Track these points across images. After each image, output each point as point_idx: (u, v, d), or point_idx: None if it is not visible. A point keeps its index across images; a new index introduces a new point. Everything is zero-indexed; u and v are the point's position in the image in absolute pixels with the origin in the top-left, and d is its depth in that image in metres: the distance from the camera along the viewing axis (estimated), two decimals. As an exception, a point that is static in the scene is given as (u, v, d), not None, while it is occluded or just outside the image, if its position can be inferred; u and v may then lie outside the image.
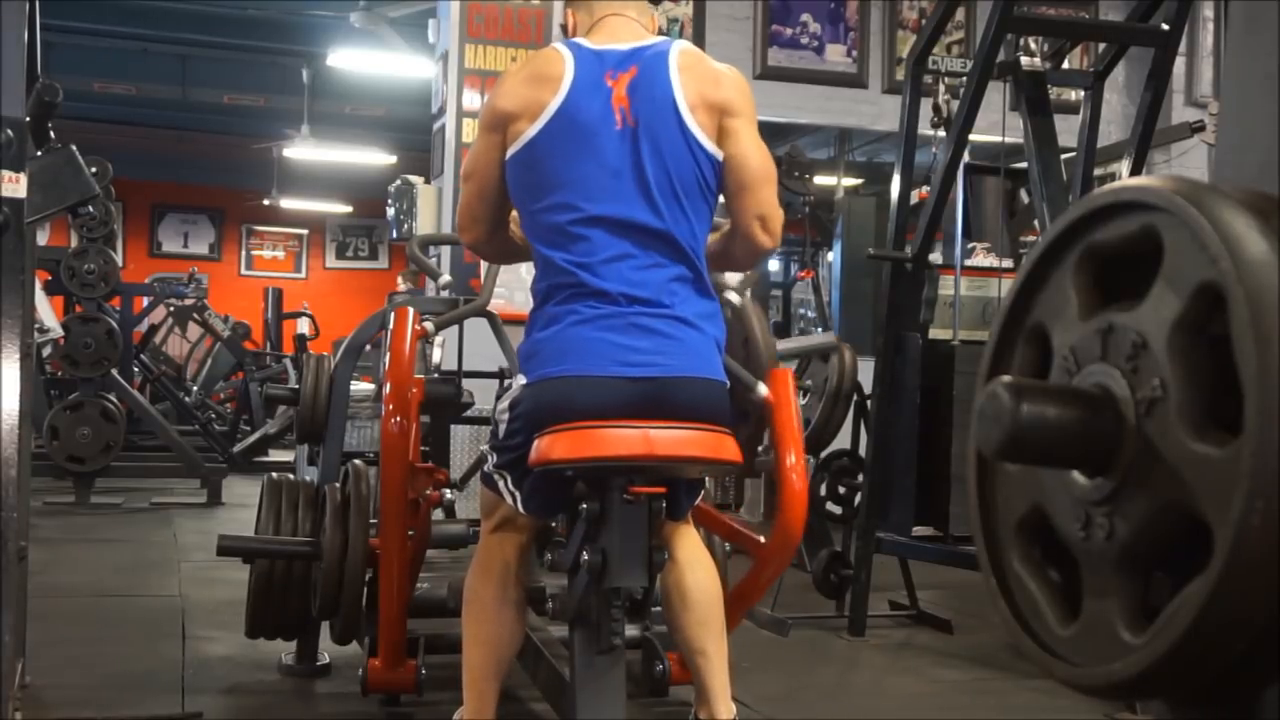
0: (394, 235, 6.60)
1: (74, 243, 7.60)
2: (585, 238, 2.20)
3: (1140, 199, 0.91)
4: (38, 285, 4.77)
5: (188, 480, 6.96)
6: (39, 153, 2.89)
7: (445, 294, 3.58)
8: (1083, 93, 4.29)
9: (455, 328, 3.65)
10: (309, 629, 3.30)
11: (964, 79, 3.97)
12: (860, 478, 4.40)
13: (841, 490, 4.69)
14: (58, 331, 6.33)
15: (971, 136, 3.97)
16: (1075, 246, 0.97)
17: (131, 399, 7.15)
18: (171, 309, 9.75)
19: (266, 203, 13.90)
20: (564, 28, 2.48)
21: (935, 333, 5.58)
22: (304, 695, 3.25)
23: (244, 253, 16.15)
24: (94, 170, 4.52)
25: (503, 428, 2.30)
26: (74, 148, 3.01)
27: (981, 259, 6.20)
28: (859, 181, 9.54)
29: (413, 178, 6.44)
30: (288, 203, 13.89)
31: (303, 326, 12.21)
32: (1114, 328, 0.91)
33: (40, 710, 2.91)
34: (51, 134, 3.08)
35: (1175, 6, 3.89)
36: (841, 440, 4.52)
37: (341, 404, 3.55)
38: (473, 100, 6.10)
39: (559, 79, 2.23)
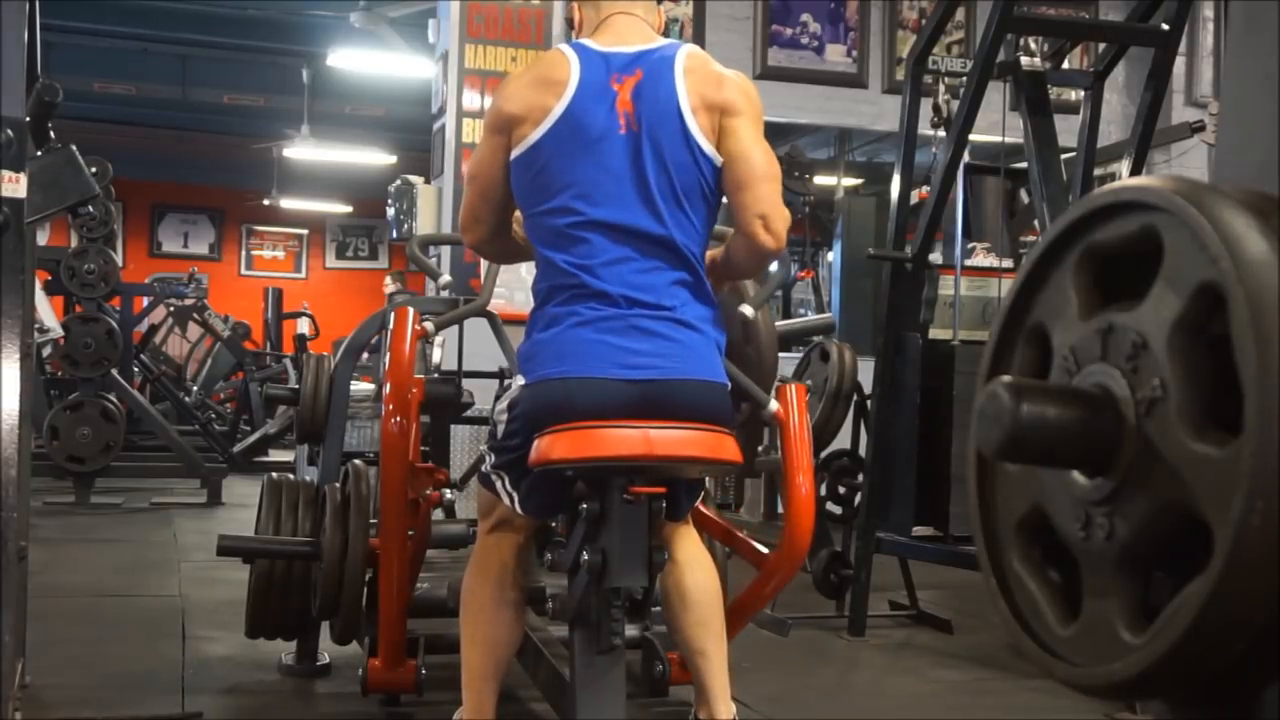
0: (394, 235, 6.60)
1: (74, 243, 7.60)
2: (586, 240, 2.20)
3: (1140, 199, 0.91)
4: (38, 285, 4.77)
5: (188, 480, 6.96)
6: (39, 153, 2.89)
7: (445, 294, 3.58)
8: (1083, 93, 4.29)
9: (455, 328, 3.65)
10: (309, 629, 3.29)
11: (964, 79, 3.97)
12: (860, 478, 4.40)
13: (841, 490, 4.69)
14: (58, 331, 6.33)
15: (971, 136, 3.96)
16: (1075, 246, 0.97)
17: (131, 399, 7.15)
18: (171, 309, 9.76)
19: (266, 203, 13.91)
20: (569, 22, 2.48)
21: (935, 333, 5.59)
22: (304, 695, 3.25)
23: (244, 253, 16.15)
24: (94, 170, 4.52)
25: (501, 428, 2.30)
26: (74, 148, 3.01)
27: (981, 259, 6.20)
28: (859, 181, 9.54)
29: (413, 178, 6.44)
30: (288, 203, 13.89)
31: (303, 326, 12.21)
32: (1114, 328, 0.91)
33: (40, 710, 2.91)
34: (51, 134, 3.08)
35: (1175, 6, 3.89)
36: (841, 440, 4.52)
37: (341, 404, 3.55)
38: (473, 100, 6.10)
39: (564, 83, 2.23)
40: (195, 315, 9.60)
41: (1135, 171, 4.01)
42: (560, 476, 2.20)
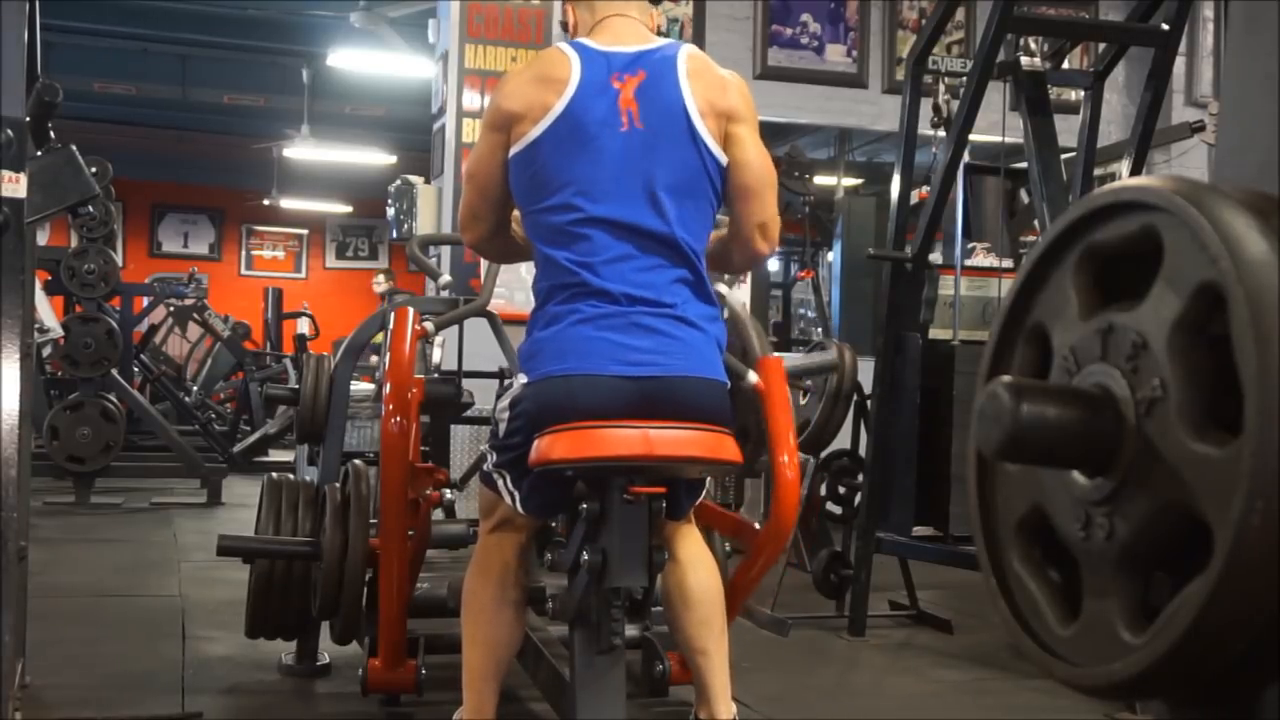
0: (394, 235, 6.60)
1: (74, 243, 7.60)
2: (587, 238, 2.20)
3: (1140, 199, 0.91)
4: (38, 285, 4.77)
5: (188, 480, 6.95)
6: (39, 153, 2.89)
7: (445, 294, 3.58)
8: (1083, 93, 4.29)
9: (455, 328, 3.65)
10: (309, 629, 3.29)
11: (964, 79, 3.97)
12: (860, 478, 4.40)
13: (841, 490, 4.69)
14: (58, 331, 6.32)
15: (971, 136, 3.97)
16: (1075, 246, 0.97)
17: (131, 399, 7.14)
18: (171, 309, 9.75)
19: (266, 203, 13.90)
20: (564, 25, 2.48)
21: (935, 333, 5.58)
22: (304, 695, 3.25)
23: (244, 253, 16.15)
24: (94, 170, 4.52)
25: (503, 426, 2.30)
26: (74, 148, 3.01)
27: (981, 259, 6.20)
28: (859, 181, 9.55)
29: (413, 178, 6.44)
30: (288, 203, 13.89)
31: (303, 326, 12.21)
32: (1114, 328, 0.91)
33: (40, 710, 2.91)
34: (51, 134, 3.08)
35: (1175, 6, 3.89)
36: (841, 440, 4.52)
37: (341, 404, 3.55)
38: (473, 100, 6.10)
39: (564, 81, 2.23)
40: (195, 315, 9.59)
41: (1135, 171, 4.01)
42: (560, 476, 2.20)
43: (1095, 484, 0.91)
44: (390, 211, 6.41)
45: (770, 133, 8.18)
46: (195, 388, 10.05)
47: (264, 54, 10.22)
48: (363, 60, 9.03)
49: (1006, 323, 1.04)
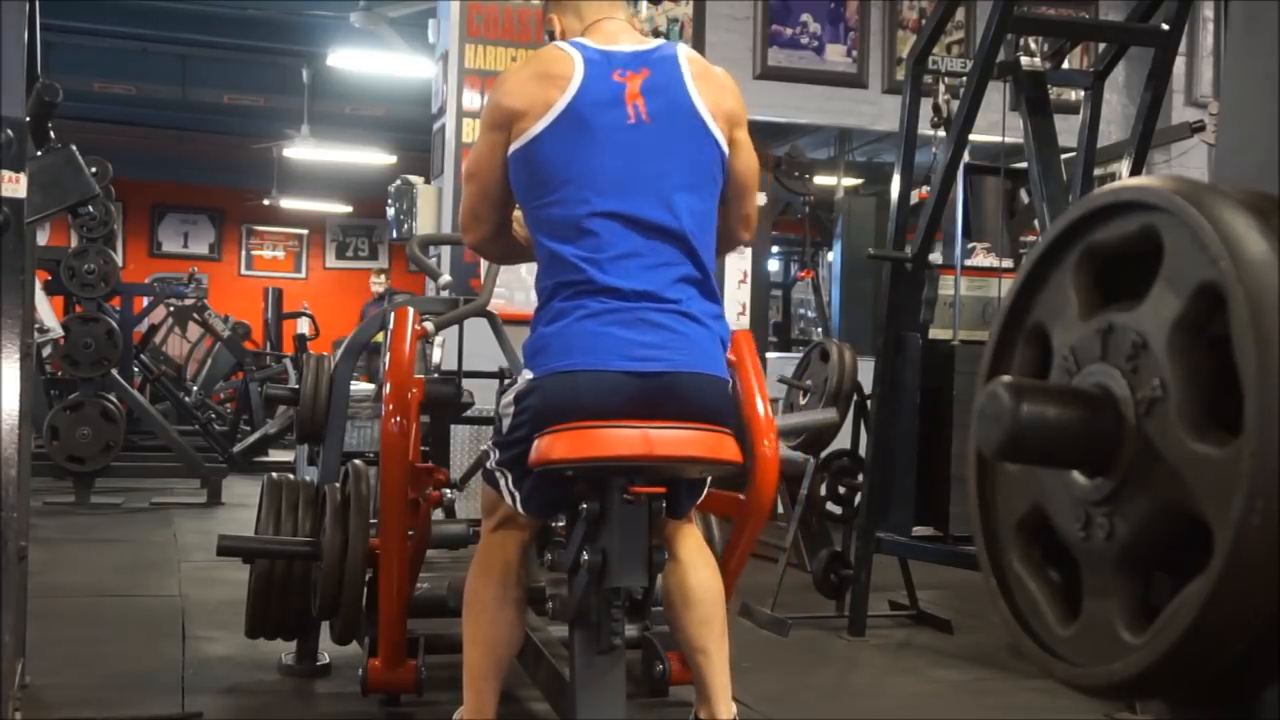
0: (394, 235, 6.59)
1: (74, 243, 7.60)
2: (594, 233, 2.20)
3: (1140, 199, 0.91)
4: (38, 285, 4.77)
5: (188, 480, 6.95)
6: (39, 153, 2.89)
7: (445, 294, 3.58)
8: (1083, 93, 4.29)
9: (455, 328, 3.65)
10: (309, 629, 3.30)
11: (964, 79, 3.97)
12: (860, 478, 4.39)
13: (841, 490, 4.69)
14: (58, 331, 6.32)
15: (971, 136, 3.96)
16: (1075, 246, 0.97)
17: (131, 399, 7.14)
18: (171, 309, 9.75)
19: (266, 203, 13.90)
20: (550, 34, 2.48)
21: (935, 333, 5.58)
22: (304, 695, 3.25)
23: (244, 253, 16.15)
24: (94, 170, 4.52)
25: (507, 422, 2.29)
26: (74, 148, 3.01)
27: (981, 259, 6.20)
28: (859, 181, 9.54)
29: (413, 178, 6.44)
30: (288, 203, 13.88)
31: (303, 326, 12.21)
32: (1114, 328, 0.91)
33: (40, 710, 2.92)
34: (51, 134, 3.08)
35: (1175, 6, 3.89)
36: (841, 440, 4.52)
37: (341, 404, 3.55)
38: (473, 100, 6.10)
39: (567, 77, 2.24)
40: (195, 315, 9.59)
41: (1135, 171, 4.01)
42: (561, 476, 2.20)
43: (1095, 484, 0.91)
44: (390, 211, 6.40)
45: (770, 133, 8.24)
46: (195, 388, 10.05)
47: (264, 54, 10.22)
48: (363, 60, 9.02)
49: (1006, 323, 1.04)
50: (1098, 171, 4.32)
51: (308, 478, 3.59)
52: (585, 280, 2.18)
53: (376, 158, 11.79)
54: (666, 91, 2.27)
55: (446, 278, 3.64)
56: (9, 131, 2.29)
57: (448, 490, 3.44)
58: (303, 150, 11.01)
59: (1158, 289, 0.88)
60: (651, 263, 2.21)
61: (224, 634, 3.70)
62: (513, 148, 2.27)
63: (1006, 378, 0.94)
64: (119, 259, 8.62)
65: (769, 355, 7.55)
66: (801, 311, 12.12)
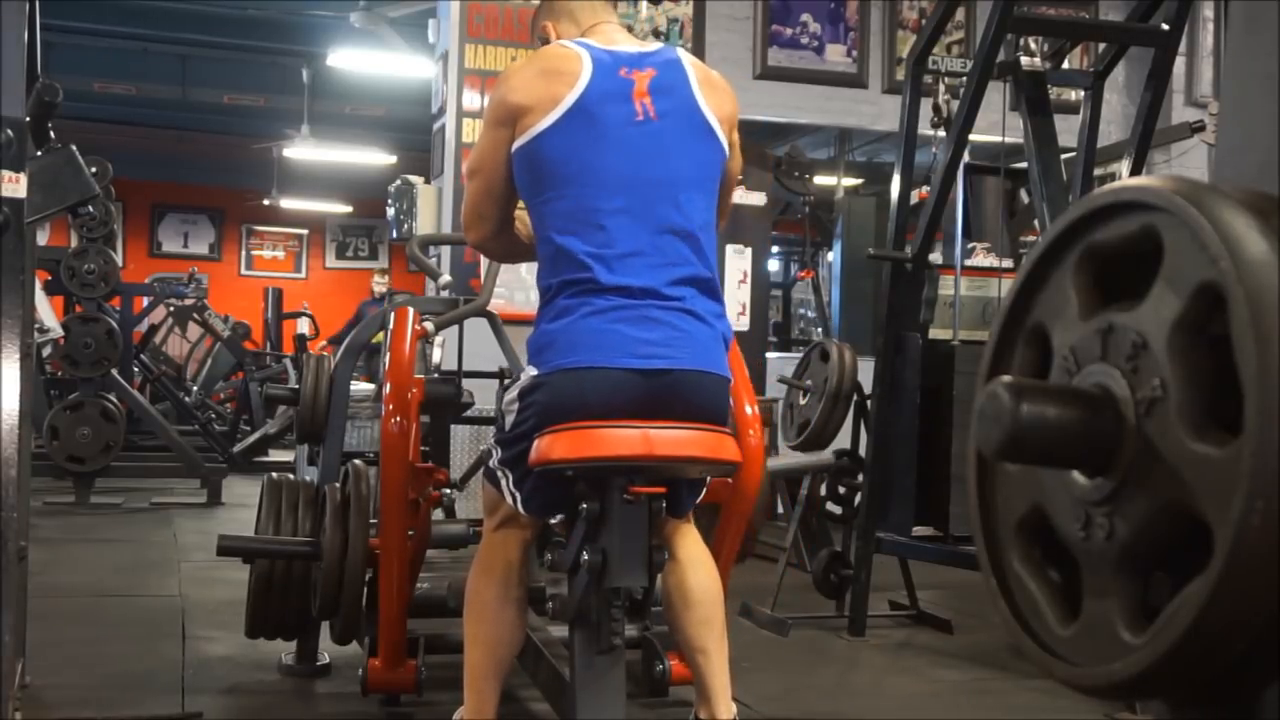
0: (394, 235, 6.59)
1: (74, 243, 7.60)
2: (601, 228, 2.20)
3: (1140, 199, 0.91)
4: (38, 285, 4.77)
5: (188, 480, 6.95)
6: (39, 153, 2.89)
7: (445, 294, 3.58)
8: (1083, 93, 4.29)
9: (455, 328, 3.65)
10: (309, 629, 3.29)
11: (964, 79, 3.97)
12: (860, 478, 4.39)
13: (841, 490, 4.69)
14: (58, 331, 6.32)
15: (971, 136, 3.96)
16: (1075, 246, 0.97)
17: (131, 399, 7.14)
18: (171, 309, 9.75)
19: (266, 203, 13.90)
20: (543, 41, 2.48)
21: (935, 333, 5.58)
22: (304, 695, 3.25)
23: (244, 253, 16.15)
24: (94, 170, 4.52)
25: (510, 419, 2.29)
26: (74, 148, 3.00)
27: (981, 259, 6.20)
28: (859, 181, 9.54)
29: (413, 178, 6.44)
30: (288, 203, 13.88)
31: (303, 326, 12.21)
32: (1114, 328, 0.91)
33: (40, 710, 2.91)
34: (51, 134, 3.07)
35: (1175, 6, 3.89)
36: (841, 440, 4.51)
37: (341, 404, 3.55)
38: (473, 100, 6.10)
39: (575, 74, 2.25)
40: (195, 315, 9.59)
41: (1135, 171, 4.01)
42: (561, 476, 2.20)
43: (1095, 484, 0.91)
44: (390, 211, 6.40)
45: (770, 133, 8.24)
46: (195, 388, 10.06)
47: (264, 54, 10.22)
48: (363, 60, 9.02)
49: (1006, 323, 1.04)
50: (1098, 171, 4.32)
51: (308, 478, 3.59)
52: (591, 277, 2.18)
53: (376, 158, 11.79)
54: (674, 92, 2.29)
55: (446, 278, 3.64)
56: (9, 131, 2.29)
57: (448, 490, 3.43)
58: (303, 150, 11.01)
59: (1158, 289, 0.88)
60: (658, 260, 2.21)
61: (224, 634, 3.70)
62: (517, 143, 2.27)
63: (1006, 378, 0.94)
64: (119, 259, 8.62)
65: (769, 355, 7.55)
66: (801, 311, 12.12)
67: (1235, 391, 0.80)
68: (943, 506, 4.14)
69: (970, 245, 6.36)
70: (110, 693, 3.14)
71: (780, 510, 5.62)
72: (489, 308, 3.45)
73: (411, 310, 2.87)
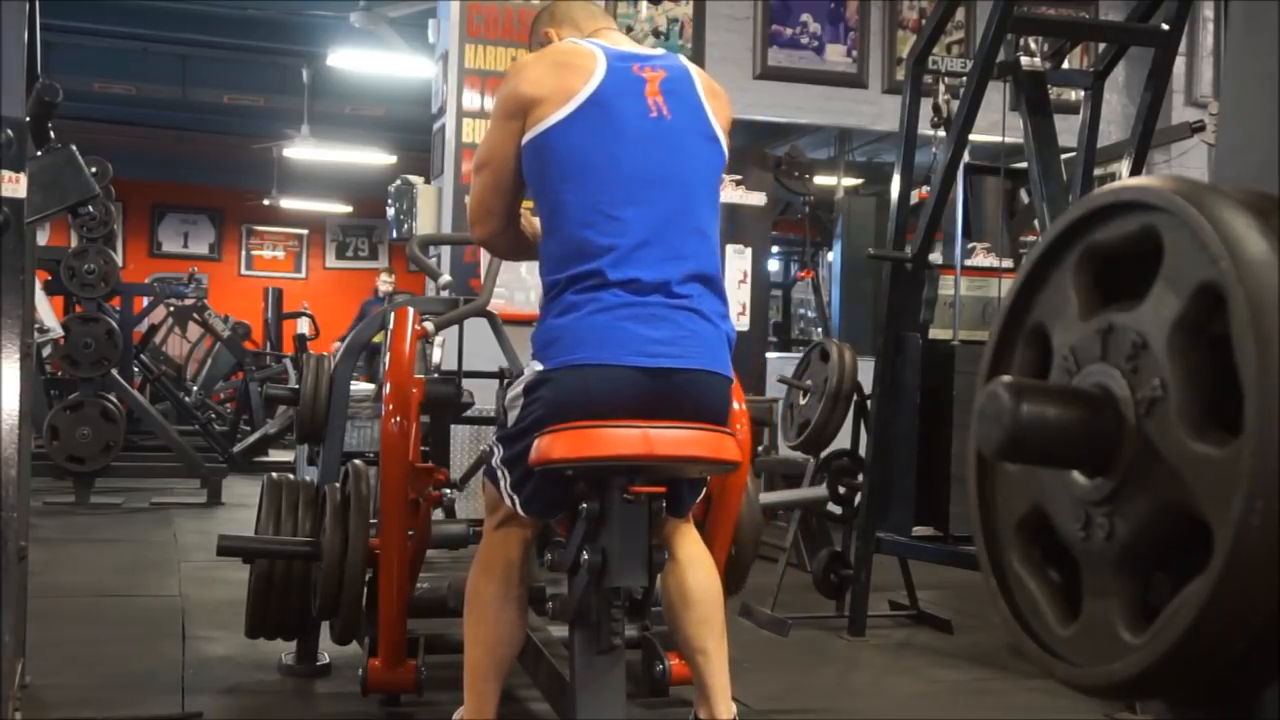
0: (394, 235, 6.59)
1: (74, 243, 7.60)
2: (615, 220, 2.20)
3: (1140, 199, 0.91)
4: (38, 285, 4.77)
5: (188, 480, 6.95)
6: (39, 153, 2.89)
7: (445, 294, 3.58)
8: (1083, 93, 4.29)
9: (455, 328, 3.65)
10: (309, 629, 3.29)
11: (964, 79, 3.97)
12: (860, 478, 4.39)
13: (841, 490, 4.69)
14: (58, 331, 6.32)
15: (971, 136, 3.96)
16: (1075, 246, 0.97)
17: (131, 399, 7.14)
18: (171, 309, 9.75)
19: (266, 203, 13.91)
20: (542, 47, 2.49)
21: (935, 333, 5.59)
22: (304, 695, 3.25)
23: (244, 253, 16.15)
24: (94, 170, 4.52)
25: (514, 414, 2.28)
26: (74, 148, 3.00)
27: (981, 259, 6.20)
28: (859, 181, 9.54)
29: (413, 178, 6.44)
30: (288, 203, 13.89)
31: (303, 326, 12.21)
32: (1114, 328, 0.91)
33: (40, 710, 2.91)
34: (51, 134, 3.08)
35: (1175, 6, 3.89)
36: (841, 440, 4.52)
37: (341, 404, 3.55)
38: (473, 100, 6.10)
39: (589, 69, 2.26)
40: (195, 315, 9.59)
41: (1135, 171, 4.01)
42: (561, 476, 2.20)
43: (1095, 484, 0.91)
44: (390, 211, 6.40)
45: (770, 133, 8.24)
46: (195, 388, 10.05)
47: (264, 54, 10.22)
48: (363, 60, 9.03)
49: (1006, 323, 1.04)
50: (1098, 171, 4.32)
51: (308, 478, 3.59)
52: (601, 271, 2.18)
53: (376, 158, 11.79)
54: (683, 94, 2.32)
55: (446, 278, 3.64)
56: (9, 131, 2.29)
57: (448, 490, 3.44)
58: (303, 150, 11.01)
59: (1158, 289, 0.88)
60: (669, 255, 2.21)
61: (224, 634, 3.69)
62: (528, 135, 2.27)
63: (1006, 378, 0.94)
64: (119, 259, 8.62)
65: (769, 355, 7.55)
66: (801, 311, 12.13)
67: (1235, 391, 0.80)
68: (943, 506, 4.14)
69: (970, 245, 6.36)
70: (110, 693, 3.14)
71: (780, 510, 5.61)
72: (489, 308, 3.45)
73: (411, 310, 2.87)
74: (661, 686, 2.97)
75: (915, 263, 4.06)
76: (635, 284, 2.17)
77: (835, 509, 4.71)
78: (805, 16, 6.74)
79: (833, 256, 8.67)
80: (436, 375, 4.01)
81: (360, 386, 5.19)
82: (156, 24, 9.41)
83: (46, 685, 3.10)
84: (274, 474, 3.40)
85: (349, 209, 15.12)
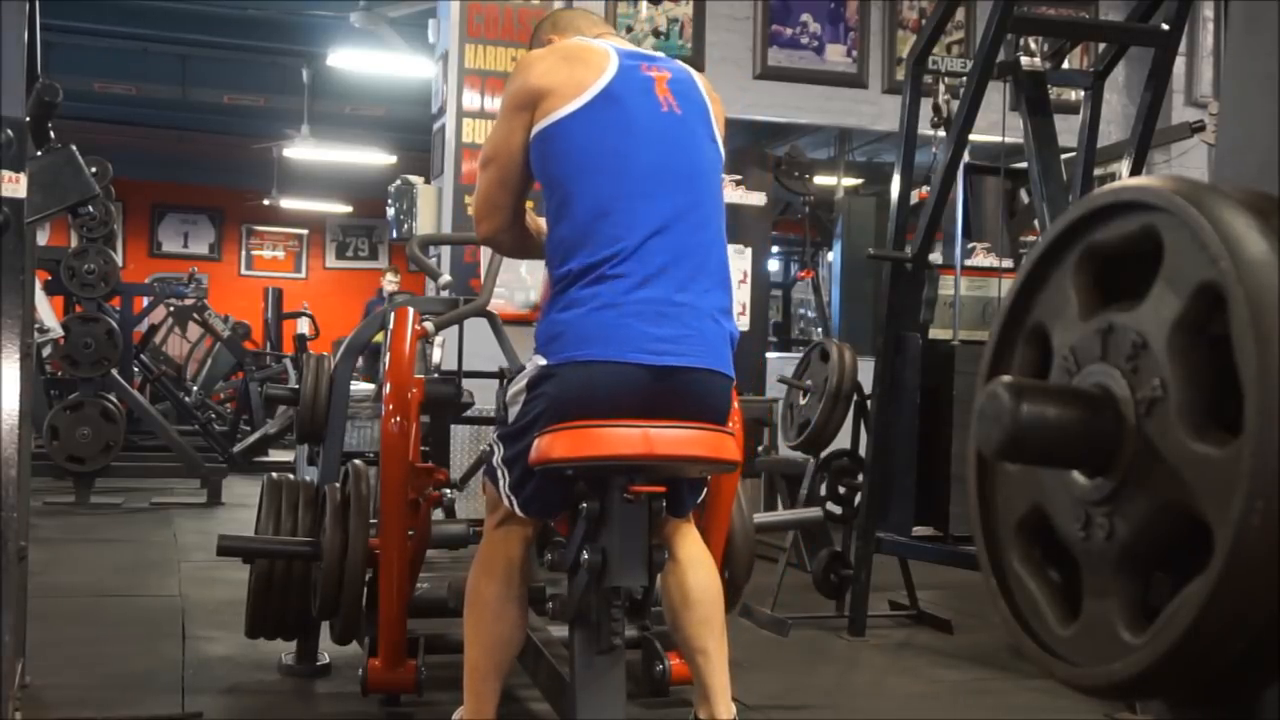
0: (394, 235, 6.59)
1: (74, 243, 7.60)
2: (625, 214, 2.20)
3: (1140, 199, 0.90)
4: (38, 285, 4.77)
5: (188, 480, 6.96)
6: (39, 153, 2.89)
7: (445, 294, 3.58)
8: (1083, 93, 4.29)
9: (455, 328, 3.65)
10: (309, 629, 3.29)
11: (964, 79, 3.97)
12: (860, 478, 4.39)
13: (841, 490, 4.69)
14: (58, 331, 6.32)
15: (971, 136, 3.96)
16: (1075, 246, 0.97)
17: (131, 399, 7.14)
18: (171, 309, 9.76)
19: (266, 203, 13.91)
20: None
21: (935, 333, 5.59)
22: (304, 695, 3.25)
23: (244, 253, 16.16)
24: (94, 170, 4.52)
25: (515, 409, 2.27)
26: (74, 148, 3.00)
27: (981, 259, 6.20)
28: (859, 181, 9.54)
29: (413, 178, 6.44)
30: (288, 203, 13.89)
31: (303, 326, 12.21)
32: (1114, 328, 0.91)
33: (40, 710, 2.91)
34: (51, 134, 3.08)
35: (1175, 6, 3.89)
36: (841, 440, 4.52)
37: (341, 404, 3.55)
38: (473, 100, 6.10)
39: (602, 64, 2.27)
40: (195, 315, 9.59)
41: (1135, 171, 4.01)
42: (560, 476, 2.19)
43: (1095, 484, 0.91)
44: (390, 211, 6.40)
45: (770, 133, 8.24)
46: (195, 388, 10.06)
47: (264, 54, 10.23)
48: (363, 60, 9.03)
49: (1006, 323, 1.04)
50: (1098, 171, 4.32)
51: (308, 478, 3.59)
52: (606, 266, 2.17)
53: (376, 158, 11.79)
54: (690, 95, 2.34)
55: (446, 278, 3.64)
56: (9, 131, 2.29)
57: (448, 490, 3.44)
58: (303, 150, 11.01)
59: (1158, 289, 0.88)
60: (675, 252, 2.21)
61: (224, 634, 3.70)
62: (538, 127, 2.27)
63: (1006, 378, 0.94)
64: (119, 259, 8.62)
65: (769, 355, 7.55)
66: (801, 311, 12.13)
67: (1235, 391, 0.80)
68: (943, 506, 4.14)
69: (970, 245, 6.36)
70: (110, 693, 3.14)
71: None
72: (489, 308, 3.45)
73: (411, 310, 2.87)
74: (661, 686, 2.97)
75: (915, 263, 4.06)
76: (641, 280, 2.17)
77: (835, 509, 4.71)
78: (805, 16, 6.74)
79: (833, 256, 8.67)
80: (436, 375, 4.01)
81: (360, 386, 5.19)
82: (156, 24, 9.41)
83: (46, 685, 3.10)
84: (274, 474, 3.40)
85: (349, 209, 15.12)
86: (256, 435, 8.66)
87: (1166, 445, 0.85)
